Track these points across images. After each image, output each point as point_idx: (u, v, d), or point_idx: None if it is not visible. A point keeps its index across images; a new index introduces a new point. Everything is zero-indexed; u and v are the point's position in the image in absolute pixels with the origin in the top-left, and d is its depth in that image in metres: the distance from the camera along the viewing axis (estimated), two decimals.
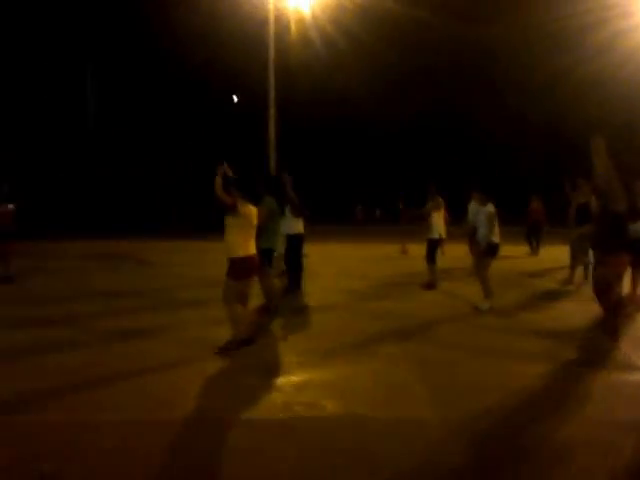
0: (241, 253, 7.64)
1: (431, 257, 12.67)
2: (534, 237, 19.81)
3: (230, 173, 7.80)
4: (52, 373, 6.76)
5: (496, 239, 10.47)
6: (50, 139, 36.89)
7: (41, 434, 5.09)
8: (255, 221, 7.90)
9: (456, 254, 14.20)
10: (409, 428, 5.24)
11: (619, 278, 7.93)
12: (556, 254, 13.54)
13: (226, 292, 7.69)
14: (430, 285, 12.56)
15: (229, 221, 7.71)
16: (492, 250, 10.48)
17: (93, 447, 4.84)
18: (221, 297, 7.73)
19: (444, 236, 12.71)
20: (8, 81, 34.60)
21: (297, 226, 12.22)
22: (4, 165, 25.98)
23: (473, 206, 13.08)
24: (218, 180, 7.63)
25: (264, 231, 9.43)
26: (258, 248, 8.20)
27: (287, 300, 11.15)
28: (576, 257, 12.99)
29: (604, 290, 7.76)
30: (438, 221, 12.59)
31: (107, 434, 5.10)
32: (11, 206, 12.94)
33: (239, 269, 7.66)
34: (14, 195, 13.18)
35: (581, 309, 10.13)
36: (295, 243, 12.20)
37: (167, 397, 5.97)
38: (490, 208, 10.48)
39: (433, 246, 12.64)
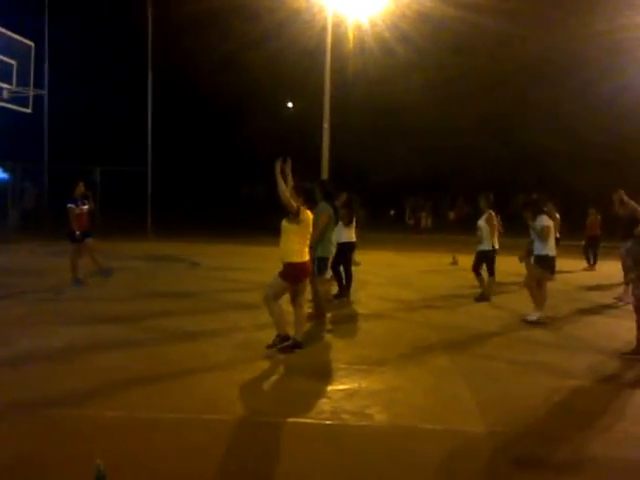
0: (296, 259, 7.70)
1: (491, 269, 12.56)
2: (591, 251, 19.36)
3: (287, 169, 7.87)
4: (107, 370, 6.93)
5: (552, 252, 10.33)
6: (116, 139, 38.41)
7: (95, 430, 5.24)
8: (311, 228, 7.94)
9: (510, 267, 14.04)
10: (456, 440, 5.24)
11: None
12: (613, 269, 13.31)
13: (269, 289, 7.79)
14: (483, 297, 12.44)
15: (286, 226, 7.77)
16: (548, 263, 10.33)
17: (145, 444, 4.97)
18: (263, 293, 7.84)
19: (497, 247, 12.52)
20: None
21: (349, 234, 12.28)
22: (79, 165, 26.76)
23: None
24: (281, 183, 7.64)
25: (321, 239, 9.48)
26: (312, 256, 8.29)
27: (336, 307, 11.19)
28: (627, 272, 12.73)
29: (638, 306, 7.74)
30: (491, 232, 12.42)
31: (159, 432, 5.24)
32: (86, 207, 13.05)
33: (292, 274, 7.73)
34: (89, 196, 13.32)
35: (633, 326, 9.95)
36: (346, 251, 12.25)
37: (217, 398, 6.09)
38: (544, 221, 10.29)
39: (489, 258, 12.51)
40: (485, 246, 12.42)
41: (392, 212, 46.32)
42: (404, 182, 43.51)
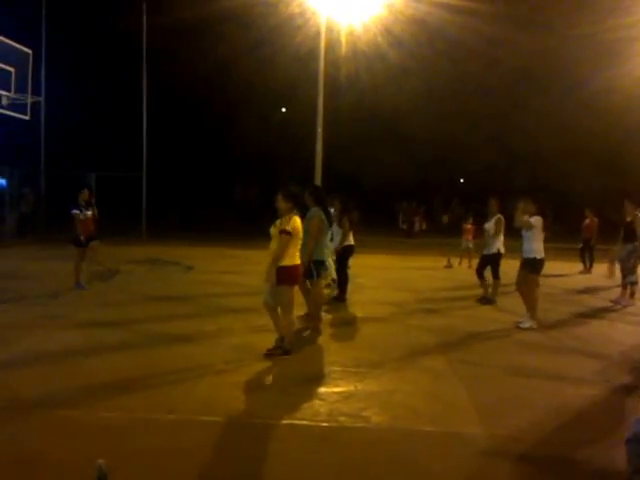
0: (286, 263, 7.70)
1: (495, 273, 12.53)
2: (588, 254, 19.21)
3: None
4: (104, 373, 6.93)
5: (540, 255, 10.21)
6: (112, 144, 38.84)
7: (94, 431, 5.26)
8: (301, 233, 7.94)
9: (512, 270, 14.01)
10: (453, 443, 5.22)
11: None
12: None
13: (285, 299, 7.79)
14: (489, 300, 12.42)
15: (275, 232, 7.77)
16: (536, 266, 10.28)
17: (142, 445, 4.99)
18: (282, 306, 7.82)
19: (502, 251, 12.46)
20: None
21: (348, 238, 12.27)
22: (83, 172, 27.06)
23: None
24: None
25: (315, 244, 9.46)
26: (303, 259, 8.28)
27: (332, 310, 11.17)
28: (626, 275, 12.79)
29: None
30: (498, 236, 12.37)
31: (156, 433, 5.27)
32: (90, 213, 13.24)
33: (285, 277, 7.72)
34: (93, 203, 13.53)
35: (632, 330, 9.93)
36: (345, 254, 12.24)
37: (213, 400, 6.09)
38: (536, 222, 10.16)
39: (495, 262, 12.50)
40: (491, 249, 12.41)
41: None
42: (396, 186, 43.48)
